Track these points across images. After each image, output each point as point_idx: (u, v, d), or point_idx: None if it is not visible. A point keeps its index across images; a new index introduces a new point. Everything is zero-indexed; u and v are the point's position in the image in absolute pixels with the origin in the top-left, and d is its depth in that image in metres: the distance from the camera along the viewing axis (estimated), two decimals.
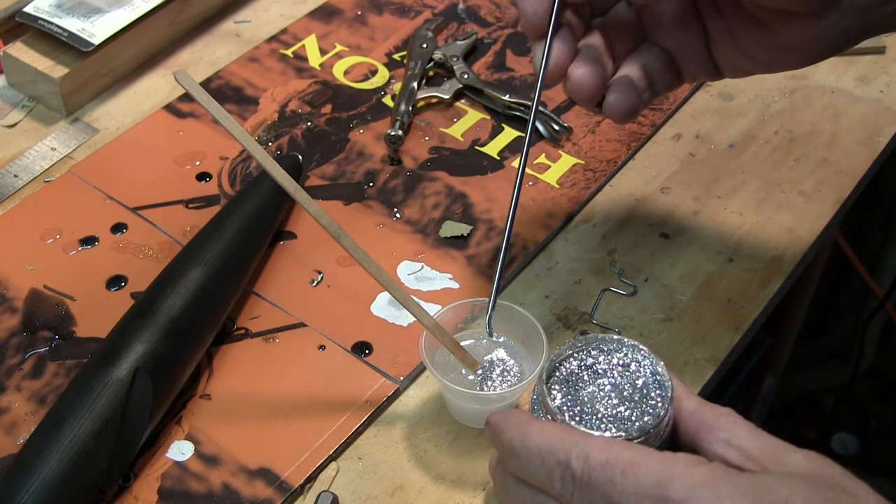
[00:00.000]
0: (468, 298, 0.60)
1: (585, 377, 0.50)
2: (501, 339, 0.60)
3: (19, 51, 0.78)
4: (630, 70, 0.57)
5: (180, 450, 0.58)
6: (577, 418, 0.48)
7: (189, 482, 0.56)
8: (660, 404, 0.48)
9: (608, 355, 0.51)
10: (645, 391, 0.49)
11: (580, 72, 0.55)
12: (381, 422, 0.60)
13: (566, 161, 0.75)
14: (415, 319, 0.58)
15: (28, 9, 0.79)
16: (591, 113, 0.78)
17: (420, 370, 0.62)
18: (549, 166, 0.74)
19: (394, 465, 0.58)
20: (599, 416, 0.48)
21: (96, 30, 0.78)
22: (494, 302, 0.57)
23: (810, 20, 0.53)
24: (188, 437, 0.58)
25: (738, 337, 0.64)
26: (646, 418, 0.48)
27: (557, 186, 0.73)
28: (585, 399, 0.49)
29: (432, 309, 0.62)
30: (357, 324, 0.64)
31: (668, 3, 0.57)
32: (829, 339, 1.45)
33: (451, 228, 0.70)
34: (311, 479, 0.57)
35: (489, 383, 0.57)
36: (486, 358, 0.59)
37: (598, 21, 0.58)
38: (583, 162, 0.75)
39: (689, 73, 0.59)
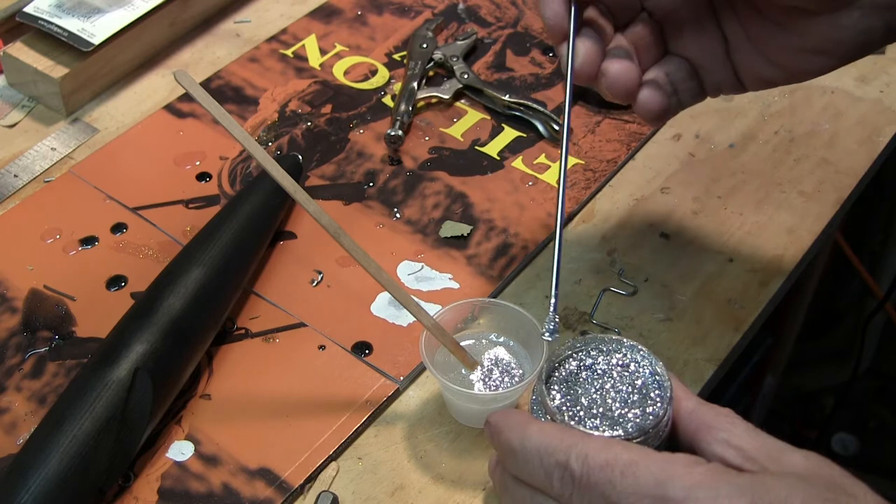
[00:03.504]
0: (468, 298, 0.61)
1: (585, 377, 0.50)
2: (501, 339, 0.60)
3: (19, 51, 0.78)
4: (656, 75, 0.57)
5: (180, 450, 0.58)
6: (577, 418, 0.48)
7: (189, 482, 0.56)
8: (659, 404, 0.48)
9: (607, 355, 0.51)
10: (644, 391, 0.49)
11: (616, 66, 0.55)
12: (381, 422, 0.60)
13: None
14: (415, 319, 0.58)
15: (28, 9, 0.79)
16: (591, 113, 0.78)
17: (420, 370, 0.62)
18: (549, 166, 0.74)
19: (394, 465, 0.58)
20: (599, 416, 0.48)
21: (96, 30, 0.78)
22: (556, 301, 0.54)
23: (828, 19, 0.51)
24: (188, 437, 0.58)
25: (738, 337, 0.64)
26: (645, 418, 0.48)
27: (557, 186, 0.73)
28: (584, 399, 0.49)
29: (432, 309, 0.62)
30: (357, 324, 0.64)
31: (686, 10, 0.56)
32: (829, 339, 1.45)
33: (451, 228, 0.70)
34: (311, 479, 0.57)
35: (489, 383, 0.57)
36: (486, 358, 0.59)
37: (622, 33, 0.57)
38: (583, 162, 0.75)
39: (712, 85, 0.58)
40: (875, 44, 0.53)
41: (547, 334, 0.52)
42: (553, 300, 0.53)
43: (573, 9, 0.55)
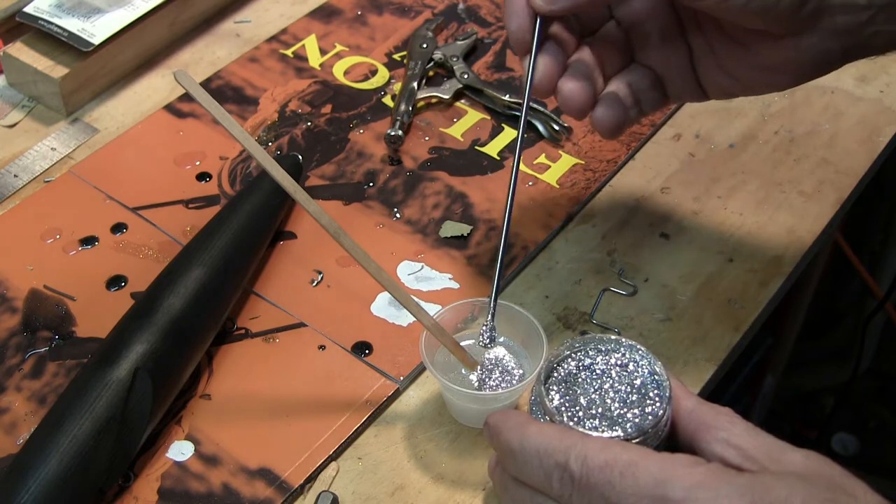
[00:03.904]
0: (468, 298, 0.60)
1: (583, 377, 0.50)
2: (501, 339, 0.60)
3: (19, 51, 0.78)
4: (617, 87, 0.58)
5: (180, 450, 0.58)
6: (576, 419, 0.48)
7: (189, 482, 0.56)
8: (658, 404, 0.48)
9: (606, 355, 0.51)
10: (643, 391, 0.49)
11: (570, 86, 0.56)
12: (381, 422, 0.60)
13: (566, 161, 0.75)
14: (415, 319, 0.58)
15: (28, 9, 0.79)
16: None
17: (420, 370, 0.62)
18: (549, 166, 0.74)
19: (394, 465, 0.58)
20: (598, 416, 0.48)
21: (96, 30, 0.78)
22: (494, 310, 0.56)
23: (789, 41, 0.54)
24: (188, 437, 0.58)
25: (738, 337, 0.64)
26: (644, 418, 0.48)
27: (557, 186, 0.73)
28: (583, 400, 0.49)
29: (432, 309, 0.62)
30: (357, 324, 0.64)
31: (654, 22, 0.58)
32: (829, 339, 1.45)
33: (451, 228, 0.70)
34: (311, 479, 0.57)
35: (489, 383, 0.57)
36: (486, 358, 0.59)
37: (588, 40, 0.59)
38: (583, 162, 0.75)
39: (675, 93, 0.60)
40: (833, 65, 0.55)
41: (483, 340, 0.56)
42: (491, 307, 0.56)
43: (538, 23, 0.56)
